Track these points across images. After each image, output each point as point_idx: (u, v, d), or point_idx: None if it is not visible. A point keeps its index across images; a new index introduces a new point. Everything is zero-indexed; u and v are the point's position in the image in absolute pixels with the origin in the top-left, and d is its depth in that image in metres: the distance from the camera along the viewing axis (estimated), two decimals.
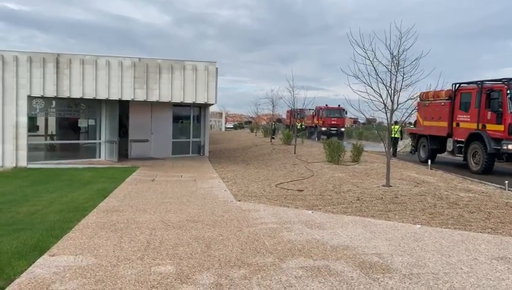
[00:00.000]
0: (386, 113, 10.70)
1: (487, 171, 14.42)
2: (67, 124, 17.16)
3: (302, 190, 10.15)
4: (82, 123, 17.42)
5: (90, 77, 15.22)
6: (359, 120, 62.61)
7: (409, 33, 10.13)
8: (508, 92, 13.90)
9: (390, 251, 5.57)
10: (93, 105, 16.93)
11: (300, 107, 26.28)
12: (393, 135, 20.75)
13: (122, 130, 18.75)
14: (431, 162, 16.50)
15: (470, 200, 9.13)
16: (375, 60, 10.38)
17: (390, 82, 10.34)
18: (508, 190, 10.57)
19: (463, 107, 16.08)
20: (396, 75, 10.29)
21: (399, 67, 10.26)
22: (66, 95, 15.13)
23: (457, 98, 16.42)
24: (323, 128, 36.31)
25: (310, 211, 7.87)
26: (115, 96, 15.57)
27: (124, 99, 15.83)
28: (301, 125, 34.97)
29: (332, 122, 36.60)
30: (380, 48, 10.46)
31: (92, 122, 17.42)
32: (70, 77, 15.06)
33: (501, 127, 13.94)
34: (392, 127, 20.13)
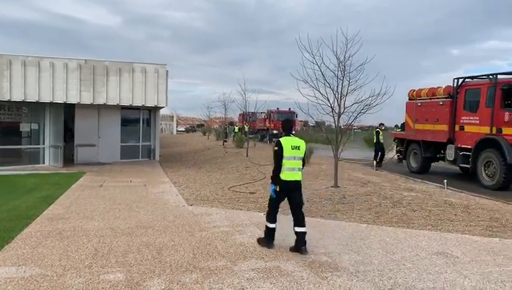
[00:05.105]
0: (333, 116, 11.04)
1: (505, 186, 11.68)
2: (8, 128, 16.29)
3: (254, 193, 10.24)
4: (24, 127, 16.62)
5: (32, 79, 14.58)
6: (309, 123, 63.90)
7: (355, 39, 10.54)
8: None
9: (339, 250, 5.76)
10: (37, 108, 16.21)
11: (252, 111, 26.51)
12: (382, 141, 18.58)
13: (68, 134, 18.06)
14: (424, 173, 14.94)
15: (413, 199, 9.61)
16: (322, 65, 10.71)
17: (337, 86, 10.71)
18: (447, 188, 11.21)
19: (469, 106, 13.28)
20: (342, 80, 10.67)
21: (345, 72, 10.65)
22: (6, 98, 14.39)
23: (460, 95, 13.56)
24: (275, 131, 36.71)
25: (262, 213, 7.94)
26: (59, 100, 15.00)
27: (69, 102, 15.29)
28: (239, 129, 35.28)
29: None
30: (328, 54, 10.81)
31: (35, 126, 16.66)
32: (11, 78, 14.35)
33: None
34: (376, 130, 19.56)
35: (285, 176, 5.61)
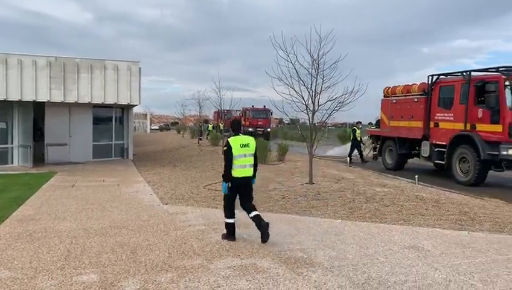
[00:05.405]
0: (307, 114, 11.12)
1: (479, 182, 11.83)
2: None
3: None
4: None
5: None
6: (284, 121, 64.33)
7: (328, 37, 10.63)
8: (507, 83, 11.33)
9: (314, 245, 5.83)
10: (4, 107, 15.72)
11: (227, 108, 26.43)
12: (358, 138, 18.81)
13: (38, 133, 17.58)
14: (400, 170, 14.94)
15: (385, 194, 9.79)
16: (296, 63, 10.77)
17: (311, 84, 10.78)
18: (418, 184, 11.48)
19: (443, 103, 13.39)
20: (316, 78, 10.75)
21: (319, 70, 10.73)
22: None
23: (435, 92, 13.66)
24: (250, 129, 36.77)
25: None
26: (28, 98, 14.61)
27: (39, 100, 14.90)
28: (213, 127, 35.33)
29: (259, 122, 37.39)
30: (302, 52, 10.87)
31: (2, 125, 16.16)
32: None
33: (498, 128, 11.32)
34: (352, 128, 19.66)
35: (236, 173, 5.91)
